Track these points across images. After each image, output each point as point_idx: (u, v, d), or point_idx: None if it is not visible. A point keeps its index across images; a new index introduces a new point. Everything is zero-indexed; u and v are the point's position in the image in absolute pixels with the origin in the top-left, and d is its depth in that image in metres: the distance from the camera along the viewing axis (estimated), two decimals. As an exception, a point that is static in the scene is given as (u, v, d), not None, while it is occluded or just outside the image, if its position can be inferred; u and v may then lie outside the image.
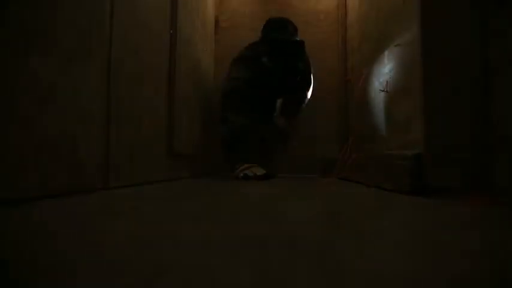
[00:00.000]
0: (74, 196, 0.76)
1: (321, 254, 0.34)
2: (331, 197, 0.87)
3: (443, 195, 0.84)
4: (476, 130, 0.93)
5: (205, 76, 2.03)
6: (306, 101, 1.97)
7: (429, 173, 0.89)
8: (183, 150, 1.53)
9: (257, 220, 0.52)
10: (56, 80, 0.73)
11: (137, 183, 1.09)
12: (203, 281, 0.26)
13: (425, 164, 0.89)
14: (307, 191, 1.05)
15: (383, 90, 1.33)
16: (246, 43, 1.94)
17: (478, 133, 0.93)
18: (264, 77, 1.83)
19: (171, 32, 1.39)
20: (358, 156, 1.42)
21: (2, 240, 0.38)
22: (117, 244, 0.37)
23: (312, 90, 2.01)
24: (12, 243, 0.37)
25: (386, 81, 1.32)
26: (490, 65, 0.94)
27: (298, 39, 1.85)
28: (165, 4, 1.36)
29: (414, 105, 1.04)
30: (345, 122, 2.11)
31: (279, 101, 2.22)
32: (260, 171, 1.57)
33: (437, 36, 0.97)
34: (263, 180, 1.51)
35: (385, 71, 1.38)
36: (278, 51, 1.78)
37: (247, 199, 0.81)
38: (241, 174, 1.58)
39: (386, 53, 1.35)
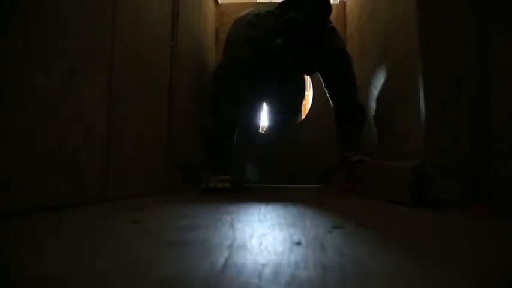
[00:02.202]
0: (74, 208, 0.76)
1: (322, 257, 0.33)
2: (332, 209, 0.87)
3: (444, 206, 0.84)
4: (476, 140, 0.93)
5: (205, 86, 2.03)
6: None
7: (429, 184, 0.89)
8: (184, 161, 1.53)
9: (254, 225, 0.52)
10: (58, 93, 0.74)
11: (137, 194, 1.09)
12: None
13: (426, 175, 0.89)
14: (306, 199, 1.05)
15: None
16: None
17: (478, 143, 0.93)
18: (273, 64, 1.48)
19: (172, 43, 1.40)
20: (358, 166, 1.42)
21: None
22: (114, 259, 0.37)
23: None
24: (7, 256, 0.37)
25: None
26: (489, 75, 0.94)
27: (327, 25, 1.41)
28: (167, 16, 1.38)
29: (414, 115, 1.04)
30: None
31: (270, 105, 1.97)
32: (223, 184, 1.35)
33: (437, 46, 0.98)
34: (228, 192, 1.32)
35: (384, 81, 1.39)
36: (298, 38, 1.38)
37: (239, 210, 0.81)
38: (204, 187, 1.36)
39: (385, 64, 1.36)
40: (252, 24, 1.54)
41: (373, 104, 1.55)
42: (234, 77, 1.49)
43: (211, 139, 1.50)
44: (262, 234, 0.47)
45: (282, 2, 1.49)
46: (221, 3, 2.38)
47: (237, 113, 1.51)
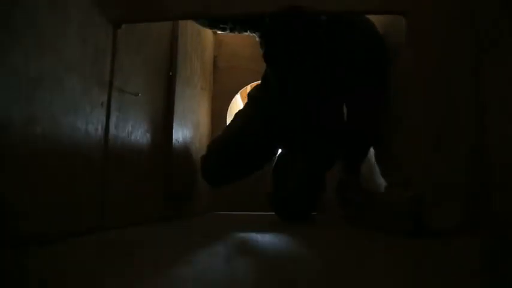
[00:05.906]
0: (71, 238, 0.75)
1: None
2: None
3: (444, 235, 0.83)
4: (474, 166, 0.92)
5: (204, 115, 2.05)
6: None
7: (428, 213, 0.88)
8: (181, 190, 1.53)
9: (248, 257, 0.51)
10: (55, 119, 0.75)
11: (134, 223, 1.08)
12: None
13: (425, 204, 0.88)
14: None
15: None
16: (243, 81, 1.97)
17: (476, 169, 0.92)
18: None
19: (171, 73, 1.43)
20: (355, 195, 1.41)
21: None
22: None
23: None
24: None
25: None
26: (485, 100, 0.93)
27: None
28: (165, 46, 1.41)
29: (412, 140, 1.03)
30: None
31: None
32: None
33: (433, 65, 0.98)
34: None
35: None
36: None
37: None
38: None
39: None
40: None
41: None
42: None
43: None
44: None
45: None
46: (220, 32, 2.43)
47: None
